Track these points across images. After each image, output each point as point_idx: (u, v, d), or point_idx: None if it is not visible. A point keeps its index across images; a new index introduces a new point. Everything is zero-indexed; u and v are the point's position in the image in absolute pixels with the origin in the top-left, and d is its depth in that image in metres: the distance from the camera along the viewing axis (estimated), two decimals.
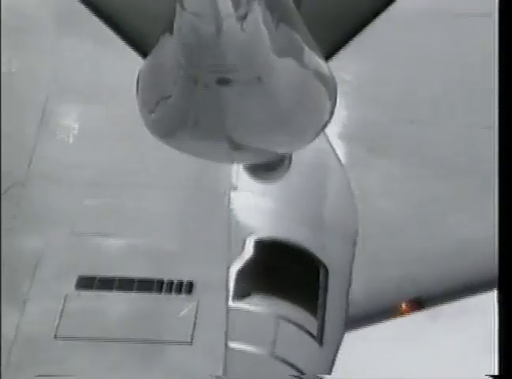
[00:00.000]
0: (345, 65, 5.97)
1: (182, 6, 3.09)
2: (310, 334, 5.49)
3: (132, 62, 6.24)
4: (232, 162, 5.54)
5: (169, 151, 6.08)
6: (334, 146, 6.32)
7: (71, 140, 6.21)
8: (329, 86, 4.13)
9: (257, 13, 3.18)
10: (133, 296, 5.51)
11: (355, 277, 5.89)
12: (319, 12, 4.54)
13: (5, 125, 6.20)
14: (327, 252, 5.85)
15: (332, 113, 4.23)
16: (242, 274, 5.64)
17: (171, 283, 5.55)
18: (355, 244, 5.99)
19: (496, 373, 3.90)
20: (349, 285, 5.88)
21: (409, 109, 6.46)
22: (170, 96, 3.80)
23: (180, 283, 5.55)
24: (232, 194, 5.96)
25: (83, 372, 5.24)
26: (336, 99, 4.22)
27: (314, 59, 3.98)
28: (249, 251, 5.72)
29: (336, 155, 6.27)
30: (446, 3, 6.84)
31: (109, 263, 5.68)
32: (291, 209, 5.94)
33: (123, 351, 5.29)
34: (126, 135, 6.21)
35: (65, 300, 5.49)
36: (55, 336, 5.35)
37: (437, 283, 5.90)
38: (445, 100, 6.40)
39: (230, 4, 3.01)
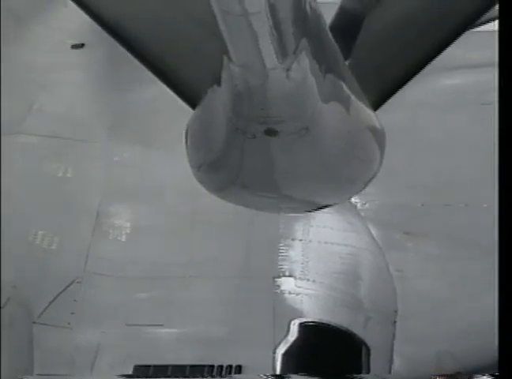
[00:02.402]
0: None
1: (229, 58, 3.10)
2: None
3: (175, 162, 6.77)
4: (279, 212, 5.61)
5: (216, 242, 6.54)
6: (371, 229, 6.65)
7: (124, 239, 6.65)
8: (378, 136, 4.15)
9: (305, 64, 3.18)
10: None
11: (396, 354, 6.12)
12: (367, 62, 4.54)
13: (63, 227, 6.70)
14: (368, 332, 6.10)
15: (381, 163, 4.21)
16: (287, 356, 5.92)
17: (220, 367, 5.85)
18: (394, 323, 6.23)
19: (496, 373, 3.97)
20: (391, 362, 6.10)
21: (442, 192, 6.77)
22: (219, 150, 3.82)
23: (229, 367, 5.84)
24: (276, 280, 6.29)
25: None
26: (384, 148, 4.19)
27: (362, 109, 4.01)
28: (293, 334, 6.01)
29: (373, 238, 6.58)
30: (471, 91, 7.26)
31: (162, 351, 6.02)
32: (332, 292, 6.23)
33: None
34: (174, 230, 6.64)
35: None
36: None
37: (475, 358, 6.07)
38: (476, 183, 6.69)
39: (276, 55, 2.98)
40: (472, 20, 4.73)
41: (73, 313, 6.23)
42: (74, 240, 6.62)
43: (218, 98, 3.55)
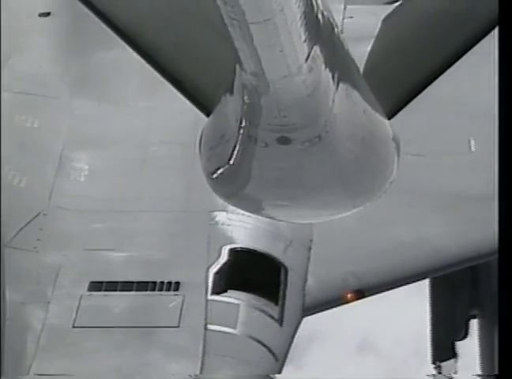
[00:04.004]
0: None
1: (241, 67, 3.18)
2: (273, 317, 6.86)
3: (130, 116, 7.87)
4: (293, 221, 5.89)
5: (161, 183, 7.63)
6: None
7: (82, 179, 7.75)
8: (392, 144, 4.27)
9: (317, 72, 3.21)
10: (133, 295, 6.95)
11: (310, 274, 7.29)
12: (381, 71, 4.62)
13: (30, 169, 7.79)
14: (287, 256, 7.24)
15: (395, 169, 4.33)
16: (218, 275, 7.05)
17: (162, 283, 6.97)
18: (310, 249, 7.39)
19: (496, 372, 4.46)
20: (305, 280, 7.26)
21: None
22: (231, 157, 3.94)
23: (169, 283, 6.97)
24: (211, 214, 7.42)
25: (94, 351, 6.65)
26: (399, 156, 4.30)
27: (376, 117, 4.12)
28: (224, 257, 7.15)
29: None
30: None
31: (113, 271, 7.15)
32: (258, 223, 7.31)
33: (126, 335, 6.71)
34: (126, 173, 7.75)
35: (80, 299, 6.94)
36: (73, 326, 6.80)
37: (375, 277, 7.21)
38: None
39: (287, 63, 3.01)
40: (484, 32, 4.89)
41: (39, 240, 7.34)
42: (40, 179, 7.71)
43: (231, 106, 3.72)
